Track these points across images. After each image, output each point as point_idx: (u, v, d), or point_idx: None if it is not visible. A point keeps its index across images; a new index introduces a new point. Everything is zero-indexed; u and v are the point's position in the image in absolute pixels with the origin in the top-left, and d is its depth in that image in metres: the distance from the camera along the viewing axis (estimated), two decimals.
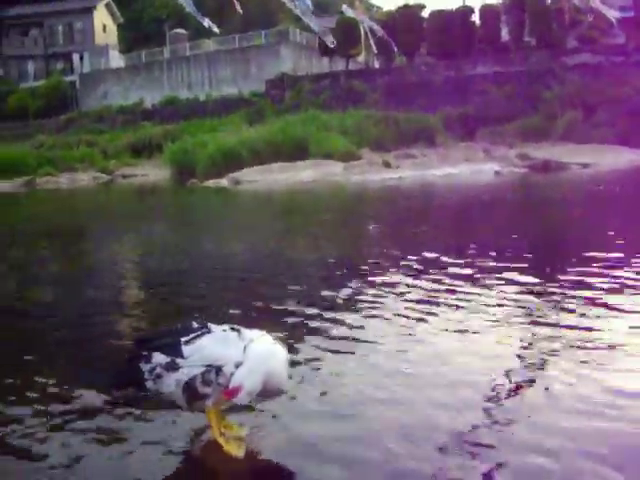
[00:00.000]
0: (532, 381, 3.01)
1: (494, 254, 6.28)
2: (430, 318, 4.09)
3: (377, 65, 38.40)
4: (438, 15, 34.73)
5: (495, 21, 33.84)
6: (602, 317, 3.94)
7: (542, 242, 7.34)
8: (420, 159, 22.63)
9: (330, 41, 23.12)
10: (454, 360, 3.31)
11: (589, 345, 3.42)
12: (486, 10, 33.97)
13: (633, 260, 5.58)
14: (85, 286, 5.95)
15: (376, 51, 35.51)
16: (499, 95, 29.48)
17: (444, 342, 3.62)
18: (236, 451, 2.39)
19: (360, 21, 34.86)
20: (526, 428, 2.53)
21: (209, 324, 2.45)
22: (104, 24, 58.50)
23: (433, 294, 4.71)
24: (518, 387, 2.94)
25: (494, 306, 4.30)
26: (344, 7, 33.04)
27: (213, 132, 28.36)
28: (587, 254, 5.95)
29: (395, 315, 4.20)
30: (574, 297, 4.40)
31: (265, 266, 6.47)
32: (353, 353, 3.50)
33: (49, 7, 56.77)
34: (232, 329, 2.42)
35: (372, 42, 28.75)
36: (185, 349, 2.33)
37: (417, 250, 6.56)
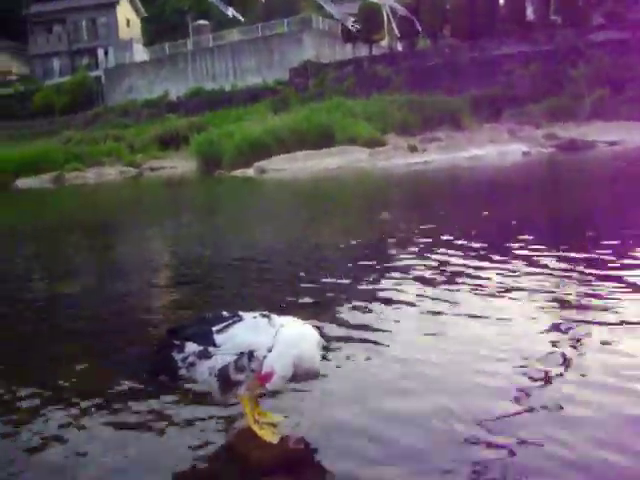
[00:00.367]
0: (566, 366, 2.98)
1: (525, 236, 6.23)
2: (456, 303, 4.07)
3: (400, 49, 38.15)
4: None
5: (520, 0, 33.41)
6: (630, 298, 3.90)
7: (568, 223, 7.26)
8: (446, 142, 22.49)
9: (351, 24, 22.98)
10: (484, 346, 3.29)
11: (618, 327, 3.39)
12: None
13: None
14: (113, 278, 6.01)
15: (399, 34, 35.27)
16: (525, 75, 29.17)
17: (473, 328, 3.61)
18: (271, 437, 2.40)
19: (382, 4, 34.62)
20: (556, 419, 2.52)
21: (240, 312, 2.47)
22: (127, 18, 58.87)
23: (457, 278, 4.69)
24: (548, 375, 2.91)
25: (519, 290, 4.27)
26: None
27: (238, 122, 28.43)
28: (611, 236, 5.89)
29: (420, 302, 4.19)
30: (601, 278, 4.36)
31: (290, 255, 6.48)
32: (381, 340, 3.50)
33: (72, 3, 57.25)
34: (262, 315, 2.44)
35: (394, 26, 28.57)
36: (217, 337, 2.35)
37: (441, 234, 6.53)
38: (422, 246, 6.03)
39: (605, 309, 3.69)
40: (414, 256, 5.61)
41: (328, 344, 3.27)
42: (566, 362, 2.98)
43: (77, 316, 4.59)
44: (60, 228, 10.78)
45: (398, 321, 3.79)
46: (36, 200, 20.29)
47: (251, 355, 2.31)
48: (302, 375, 2.41)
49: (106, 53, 52.73)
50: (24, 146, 32.09)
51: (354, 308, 4.11)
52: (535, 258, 5.11)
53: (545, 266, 4.83)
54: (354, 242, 6.70)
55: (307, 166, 20.26)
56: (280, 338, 2.33)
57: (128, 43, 52.51)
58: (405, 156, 20.33)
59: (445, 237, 6.40)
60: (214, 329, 2.37)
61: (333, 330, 3.66)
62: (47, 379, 3.26)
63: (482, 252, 5.55)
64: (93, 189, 23.38)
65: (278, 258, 6.35)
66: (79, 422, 2.72)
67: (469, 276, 4.71)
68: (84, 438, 2.58)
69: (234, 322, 2.39)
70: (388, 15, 33.42)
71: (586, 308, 3.74)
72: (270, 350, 2.30)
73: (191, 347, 2.36)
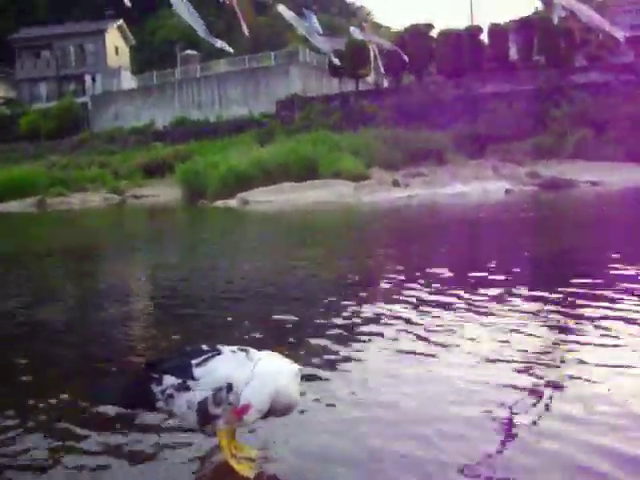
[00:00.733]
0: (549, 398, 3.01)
1: (509, 274, 6.28)
2: (443, 336, 4.10)
3: (386, 84, 38.57)
4: (447, 34, 34.91)
5: (504, 40, 33.96)
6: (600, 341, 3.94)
7: (549, 260, 7.34)
8: (430, 177, 22.65)
9: (335, 59, 23.30)
10: (469, 376, 3.32)
11: (602, 358, 3.43)
12: (494, 29, 34.10)
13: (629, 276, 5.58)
14: (95, 305, 5.99)
15: (384, 71, 35.69)
16: (508, 113, 29.54)
17: (457, 359, 3.63)
18: (247, 472, 2.41)
19: (368, 41, 35.06)
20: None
21: (218, 346, 2.49)
22: (116, 46, 59.16)
23: (445, 312, 4.72)
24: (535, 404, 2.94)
25: (506, 322, 4.30)
26: (352, 29, 33.27)
27: (223, 152, 28.50)
28: (588, 273, 5.96)
29: (397, 337, 4.21)
30: (574, 316, 4.41)
31: (270, 287, 6.49)
32: (361, 374, 3.51)
33: (61, 29, 57.51)
34: (241, 349, 2.45)
35: (380, 64, 28.93)
36: (196, 371, 2.36)
37: (427, 268, 6.58)
38: (401, 282, 6.06)
39: (589, 343, 3.72)
40: (393, 291, 5.63)
41: (307, 377, 3.28)
42: (537, 403, 3.00)
43: (57, 344, 4.57)
44: (42, 254, 10.71)
45: (376, 355, 3.80)
46: (17, 225, 20.17)
47: (229, 389, 2.32)
48: (280, 409, 2.42)
49: (94, 80, 52.87)
50: (9, 170, 31.95)
51: (333, 342, 4.12)
52: (508, 297, 5.15)
53: (515, 305, 4.87)
54: (334, 276, 6.73)
55: (290, 198, 20.32)
56: (257, 372, 2.35)
57: (116, 70, 52.70)
58: (389, 190, 20.45)
59: (424, 273, 6.43)
60: (193, 362, 2.38)
61: (312, 363, 3.67)
62: (24, 407, 3.24)
63: (457, 289, 5.59)
64: (76, 215, 23.29)
65: (258, 290, 6.36)
66: (54, 451, 2.71)
67: (446, 310, 4.74)
68: (58, 467, 2.57)
69: (213, 356, 2.40)
70: (374, 51, 33.82)
71: (559, 347, 3.78)
72: (247, 384, 2.32)
73: (169, 380, 2.36)
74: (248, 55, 44.80)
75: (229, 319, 5.07)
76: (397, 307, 5.00)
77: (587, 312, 4.54)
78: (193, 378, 2.35)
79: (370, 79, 39.83)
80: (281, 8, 12.83)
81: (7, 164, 34.70)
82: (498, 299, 5.09)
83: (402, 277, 6.31)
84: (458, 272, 6.56)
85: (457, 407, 2.95)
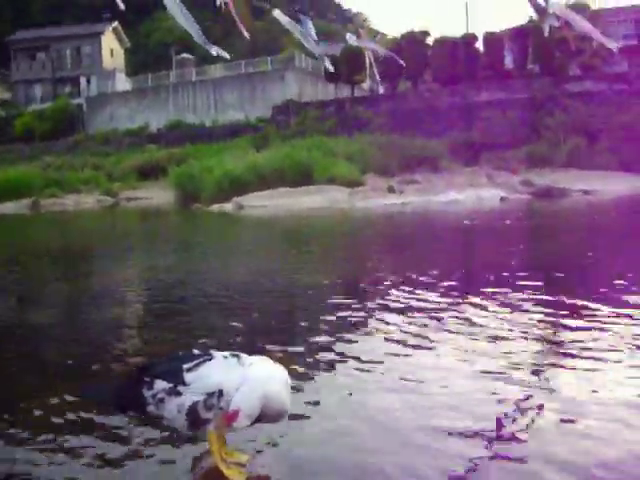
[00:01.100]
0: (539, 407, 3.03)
1: (501, 281, 6.31)
2: (432, 341, 4.12)
3: (382, 91, 38.65)
4: (442, 42, 35.01)
5: (499, 49, 34.08)
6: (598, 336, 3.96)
7: (539, 266, 7.37)
8: (424, 184, 22.70)
9: (329, 64, 23.42)
10: (457, 381, 3.33)
11: (589, 366, 3.45)
12: (490, 38, 34.22)
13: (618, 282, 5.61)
14: (86, 308, 5.99)
15: (379, 78, 35.76)
16: (503, 121, 29.66)
17: (446, 364, 3.65)
18: (237, 477, 2.41)
19: (364, 48, 35.11)
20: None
21: (210, 351, 2.50)
22: (112, 48, 59.11)
23: (434, 317, 4.74)
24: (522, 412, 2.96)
25: (496, 328, 4.32)
26: (348, 36, 33.27)
27: (218, 156, 28.50)
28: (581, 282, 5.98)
29: (396, 338, 4.22)
30: (574, 319, 4.43)
31: (263, 292, 6.50)
32: (352, 383, 3.52)
33: (57, 32, 57.46)
34: (233, 355, 2.47)
35: (376, 70, 29.00)
36: (187, 376, 2.37)
37: (415, 275, 6.59)
38: (394, 288, 6.08)
39: (577, 355, 3.74)
40: (387, 296, 5.65)
41: (298, 384, 3.29)
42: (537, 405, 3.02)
43: (47, 347, 4.57)
44: (33, 255, 10.70)
45: (370, 363, 3.81)
46: (9, 226, 20.12)
47: (220, 394, 2.33)
48: (270, 415, 2.43)
49: (89, 82, 52.83)
50: (4, 171, 31.89)
51: (325, 348, 4.13)
52: (498, 304, 5.17)
53: (524, 309, 4.90)
54: (327, 282, 6.74)
55: (285, 204, 20.33)
56: (248, 377, 2.36)
57: (111, 73, 52.64)
58: (383, 197, 20.48)
59: (417, 280, 6.45)
60: (184, 367, 2.39)
61: (304, 370, 3.68)
62: (14, 410, 3.24)
63: (454, 296, 5.61)
64: (69, 217, 23.24)
65: (251, 295, 6.36)
66: (43, 454, 2.71)
67: (438, 319, 4.76)
68: (46, 472, 2.57)
69: (204, 361, 2.42)
70: (370, 58, 33.90)
71: (558, 345, 3.80)
72: (238, 389, 2.33)
73: (160, 384, 2.37)
74: (244, 60, 44.84)
75: (222, 323, 5.08)
76: (385, 314, 5.01)
77: (576, 319, 4.56)
78: (184, 383, 2.36)
79: (366, 85, 39.92)
80: (276, 13, 12.84)
81: (2, 165, 34.64)
82: (486, 306, 5.11)
83: (389, 283, 6.32)
84: (447, 279, 6.57)
85: (447, 416, 2.96)
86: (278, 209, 19.47)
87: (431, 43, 36.08)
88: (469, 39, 34.85)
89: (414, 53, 35.03)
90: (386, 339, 4.30)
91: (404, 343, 4.19)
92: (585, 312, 4.80)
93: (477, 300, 5.37)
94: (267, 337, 4.51)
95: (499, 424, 2.85)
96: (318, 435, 2.81)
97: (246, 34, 11.66)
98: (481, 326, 4.52)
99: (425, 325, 4.64)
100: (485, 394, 3.21)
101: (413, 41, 35.71)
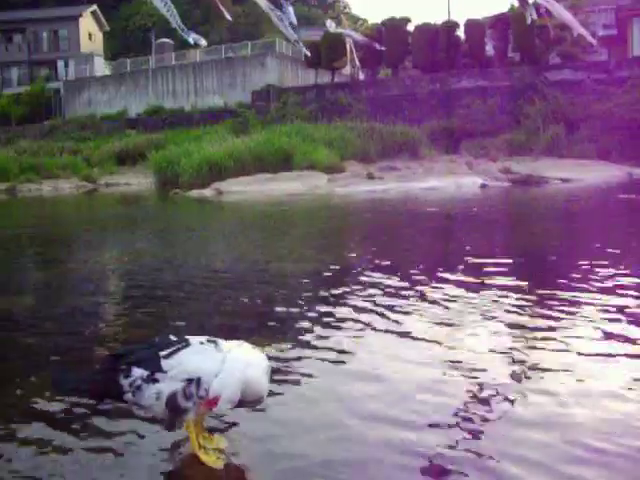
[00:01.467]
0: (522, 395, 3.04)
1: (483, 268, 6.33)
2: (414, 327, 4.12)
3: (362, 77, 38.60)
4: (423, 29, 34.94)
5: (480, 36, 34.08)
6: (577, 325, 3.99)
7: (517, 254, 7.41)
8: (404, 171, 22.72)
9: (305, 50, 23.37)
10: (425, 371, 3.34)
11: (570, 355, 3.47)
12: (471, 25, 34.21)
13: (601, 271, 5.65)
14: (63, 294, 5.94)
15: (359, 64, 35.70)
16: (483, 109, 29.74)
17: (416, 353, 3.65)
18: (215, 463, 2.40)
19: (344, 35, 35.04)
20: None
21: (187, 337, 2.47)
22: (90, 32, 58.42)
23: (416, 305, 4.75)
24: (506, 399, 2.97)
25: (478, 318, 4.34)
26: (327, 22, 33.28)
27: (198, 141, 28.33)
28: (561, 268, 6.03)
29: (373, 328, 4.23)
30: (555, 306, 4.46)
31: (242, 277, 6.48)
32: (339, 363, 3.52)
33: (34, 14, 56.65)
34: (209, 341, 2.44)
35: (355, 56, 28.97)
36: (164, 363, 2.35)
37: (400, 262, 6.60)
38: (376, 273, 6.08)
39: (555, 339, 3.76)
40: (369, 282, 5.65)
41: (278, 369, 3.28)
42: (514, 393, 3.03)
43: (26, 333, 4.52)
44: (10, 240, 10.59)
45: (349, 348, 3.81)
46: None
47: (198, 382, 2.31)
48: (250, 400, 2.42)
49: (66, 65, 52.22)
50: None
51: (305, 333, 4.13)
52: (496, 286, 5.19)
53: (506, 293, 4.92)
54: (309, 266, 6.73)
55: (264, 189, 20.27)
56: (227, 363, 2.34)
57: (89, 56, 52.03)
58: (363, 183, 20.48)
59: (392, 266, 6.46)
60: (161, 354, 2.36)
61: (283, 355, 3.67)
62: None
63: (437, 281, 5.62)
64: (46, 202, 23.02)
65: (230, 280, 6.34)
66: (19, 441, 2.68)
67: (422, 301, 4.77)
68: (23, 456, 2.54)
69: (182, 347, 2.39)
70: (350, 45, 33.81)
71: (538, 335, 3.82)
72: (217, 375, 2.31)
73: (137, 372, 2.34)
74: (225, 45, 44.50)
75: (201, 308, 5.06)
76: (371, 298, 5.01)
77: (551, 308, 4.59)
78: (161, 370, 2.33)
79: (346, 71, 39.80)
80: None
81: None
82: (463, 295, 5.13)
83: (366, 269, 6.32)
84: (421, 266, 6.59)
85: (413, 409, 2.97)
86: (257, 195, 19.41)
87: (412, 30, 36.00)
88: (450, 26, 34.80)
89: (395, 40, 34.97)
90: (365, 326, 4.30)
91: (382, 330, 4.19)
92: (560, 300, 4.83)
93: (452, 289, 5.39)
94: (245, 321, 4.49)
95: (469, 415, 2.85)
96: (296, 421, 2.81)
97: (228, 16, 11.57)
98: (457, 315, 4.54)
99: (401, 311, 4.64)
100: (455, 386, 3.21)
101: (394, 28, 35.61)
